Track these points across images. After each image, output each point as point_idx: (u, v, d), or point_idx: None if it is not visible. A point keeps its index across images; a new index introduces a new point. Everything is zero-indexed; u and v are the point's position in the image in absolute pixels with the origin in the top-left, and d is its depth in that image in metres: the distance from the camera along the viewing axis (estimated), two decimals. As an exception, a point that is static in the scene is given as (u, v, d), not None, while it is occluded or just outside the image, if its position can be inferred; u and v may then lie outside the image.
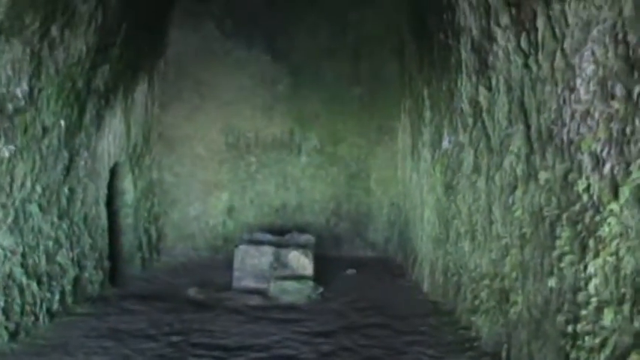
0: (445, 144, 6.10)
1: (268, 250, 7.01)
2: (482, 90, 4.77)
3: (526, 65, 3.74)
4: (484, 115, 4.77)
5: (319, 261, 7.21)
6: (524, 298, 3.85)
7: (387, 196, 9.50)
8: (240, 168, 9.37)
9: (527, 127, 3.79)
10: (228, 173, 9.35)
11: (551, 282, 3.37)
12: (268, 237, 7.60)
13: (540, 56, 3.49)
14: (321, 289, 6.71)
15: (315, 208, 9.49)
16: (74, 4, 5.21)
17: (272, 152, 9.42)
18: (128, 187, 7.71)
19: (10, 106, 4.42)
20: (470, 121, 5.20)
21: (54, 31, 4.97)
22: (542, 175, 3.50)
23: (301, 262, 6.98)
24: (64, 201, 5.57)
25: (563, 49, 3.16)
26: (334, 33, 9.33)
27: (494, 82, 4.46)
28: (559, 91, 3.24)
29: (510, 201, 4.12)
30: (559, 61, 3.22)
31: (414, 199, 8.00)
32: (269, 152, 9.42)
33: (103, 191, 6.63)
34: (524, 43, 3.75)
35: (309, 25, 9.25)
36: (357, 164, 9.55)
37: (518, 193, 3.95)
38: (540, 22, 3.44)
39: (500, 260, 4.36)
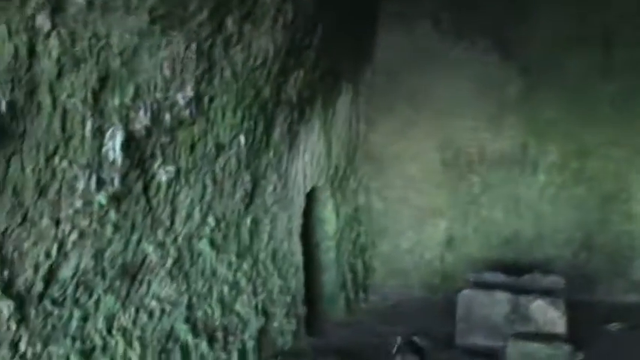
0: None
1: (503, 298, 5.40)
2: None
3: None
4: None
5: (568, 310, 5.37)
6: None
7: (659, 223, 7.21)
8: (460, 190, 7.78)
9: None
10: (447, 197, 7.79)
11: None
12: (501, 278, 5.91)
13: None
14: (581, 356, 4.88)
15: (557, 240, 7.50)
16: (255, -7, 4.22)
17: (500, 171, 7.66)
18: (329, 216, 6.58)
19: (167, 117, 3.48)
20: None
21: (229, 24, 3.99)
22: None
23: (549, 315, 5.25)
24: (245, 235, 4.54)
25: None
26: (577, 16, 7.34)
27: None
28: None
29: None
30: None
31: None
32: (496, 171, 7.67)
33: (298, 222, 5.58)
34: None
35: (544, 9, 7.40)
36: (613, 182, 7.41)
37: None
38: None
39: None
